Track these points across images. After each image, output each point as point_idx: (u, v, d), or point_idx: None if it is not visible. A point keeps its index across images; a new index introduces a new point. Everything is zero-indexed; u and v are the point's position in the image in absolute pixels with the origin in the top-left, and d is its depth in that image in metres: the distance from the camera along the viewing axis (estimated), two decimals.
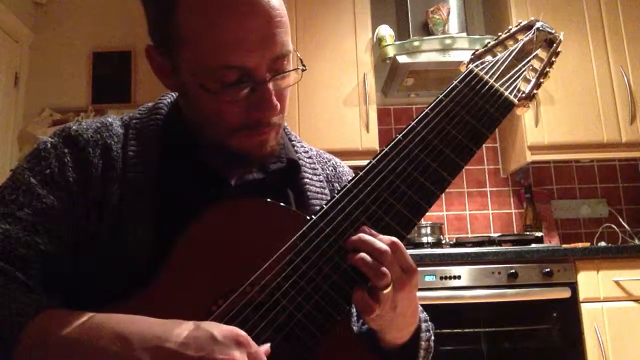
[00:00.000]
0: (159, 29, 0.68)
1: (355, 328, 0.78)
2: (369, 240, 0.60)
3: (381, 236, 0.61)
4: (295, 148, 0.82)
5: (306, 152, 0.84)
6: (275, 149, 0.72)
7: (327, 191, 0.80)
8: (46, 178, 0.66)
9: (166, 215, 0.66)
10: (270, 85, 0.65)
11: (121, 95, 2.82)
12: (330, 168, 0.86)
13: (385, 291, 0.58)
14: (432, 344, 0.74)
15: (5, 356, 0.51)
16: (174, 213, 0.63)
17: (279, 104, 0.67)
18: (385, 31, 2.70)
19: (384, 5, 2.96)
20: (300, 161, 0.80)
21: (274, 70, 0.66)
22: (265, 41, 0.64)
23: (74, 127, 0.71)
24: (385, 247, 0.59)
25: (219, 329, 0.50)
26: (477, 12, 3.01)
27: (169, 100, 0.79)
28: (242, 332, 0.51)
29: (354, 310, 0.78)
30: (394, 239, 0.61)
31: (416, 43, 2.54)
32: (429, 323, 0.76)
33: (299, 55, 0.70)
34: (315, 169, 0.82)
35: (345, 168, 0.90)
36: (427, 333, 0.73)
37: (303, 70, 0.70)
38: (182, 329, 0.50)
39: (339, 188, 0.70)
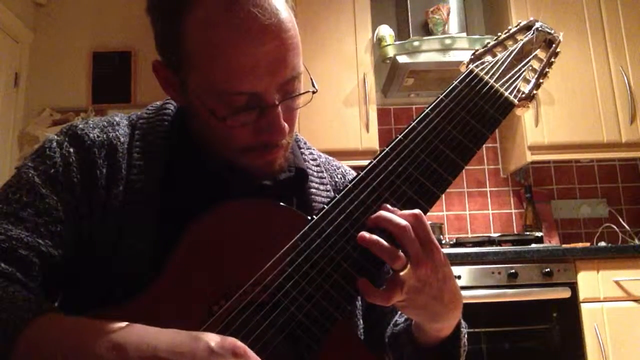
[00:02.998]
0: (166, 48, 0.67)
1: (388, 331, 0.78)
2: (389, 216, 0.60)
3: (400, 211, 0.60)
4: (304, 156, 0.81)
5: (314, 159, 0.83)
6: (283, 166, 0.72)
7: None
8: (50, 178, 0.65)
9: (169, 218, 0.65)
10: (279, 108, 0.64)
11: (121, 95, 2.82)
12: (339, 175, 0.86)
13: (403, 272, 0.58)
14: (466, 341, 0.74)
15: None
16: (177, 215, 0.63)
17: (287, 126, 0.66)
18: (385, 31, 2.70)
19: (384, 5, 2.96)
20: (308, 170, 0.79)
21: (284, 92, 0.65)
22: (276, 66, 0.62)
23: (80, 126, 0.70)
24: (404, 222, 0.59)
25: (217, 340, 0.49)
26: (477, 12, 3.01)
27: None
28: (240, 343, 0.50)
29: (359, 313, 0.78)
30: (417, 211, 0.60)
31: (416, 43, 2.54)
32: (461, 320, 0.75)
33: (311, 77, 0.68)
34: (322, 178, 0.81)
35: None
36: (464, 329, 0.73)
37: (314, 93, 0.69)
38: (179, 339, 0.50)
39: None
